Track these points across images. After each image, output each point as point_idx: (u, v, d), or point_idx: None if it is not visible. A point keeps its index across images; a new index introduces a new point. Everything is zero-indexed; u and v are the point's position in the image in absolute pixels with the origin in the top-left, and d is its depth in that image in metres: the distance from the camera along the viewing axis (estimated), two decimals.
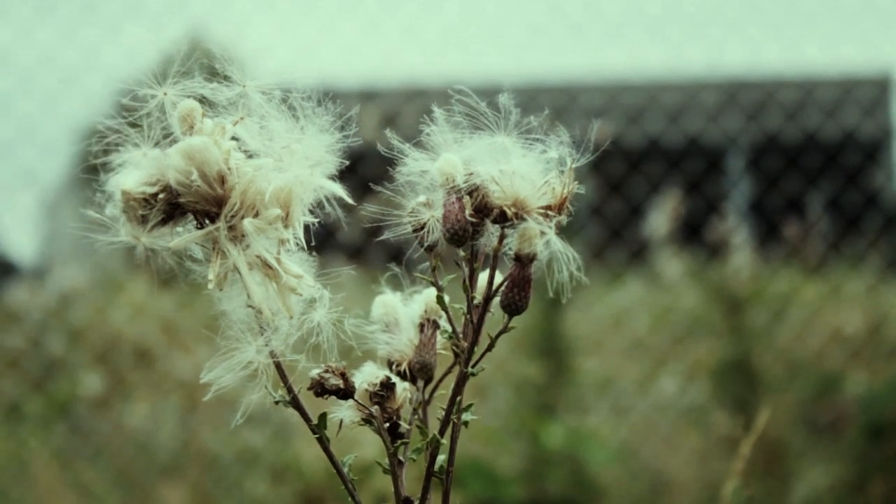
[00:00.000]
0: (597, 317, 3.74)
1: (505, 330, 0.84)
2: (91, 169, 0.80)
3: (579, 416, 3.38)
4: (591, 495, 3.08)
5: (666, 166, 3.66)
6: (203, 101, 0.80)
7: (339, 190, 0.78)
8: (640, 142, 3.72)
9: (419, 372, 0.87)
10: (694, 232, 3.54)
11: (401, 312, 0.90)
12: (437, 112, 0.82)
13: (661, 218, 3.55)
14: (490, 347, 0.84)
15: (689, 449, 3.56)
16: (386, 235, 0.84)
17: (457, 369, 0.85)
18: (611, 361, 3.83)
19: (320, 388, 0.83)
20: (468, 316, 0.84)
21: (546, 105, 3.34)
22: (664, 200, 3.83)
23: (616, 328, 5.46)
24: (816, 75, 3.95)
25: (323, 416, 0.83)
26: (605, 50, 3.65)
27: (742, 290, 3.04)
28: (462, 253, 0.83)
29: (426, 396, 0.89)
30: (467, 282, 0.84)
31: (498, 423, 3.44)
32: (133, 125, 0.80)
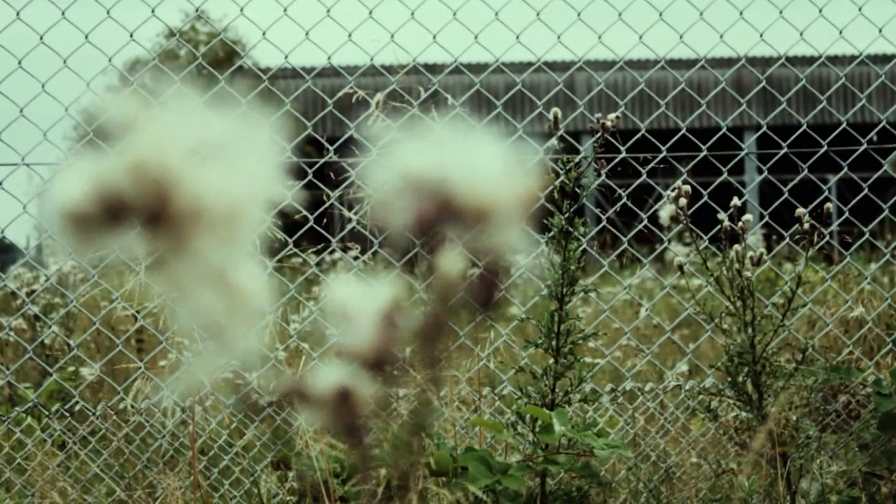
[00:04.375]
0: (605, 304, 3.68)
1: (475, 326, 0.78)
2: (80, 153, 0.75)
3: (586, 405, 3.34)
4: (598, 485, 3.04)
5: (677, 151, 3.59)
6: (157, 97, 0.74)
7: (289, 194, 0.72)
8: (651, 126, 3.65)
9: (379, 368, 0.81)
10: (705, 218, 3.47)
11: (361, 305, 0.84)
12: (405, 102, 0.77)
13: (671, 204, 3.48)
14: (447, 347, 0.78)
15: (697, 439, 3.51)
16: (346, 228, 0.79)
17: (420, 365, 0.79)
18: (618, 350, 3.78)
19: (275, 399, 0.78)
20: (429, 312, 0.78)
21: (552, 89, 3.25)
22: (675, 186, 3.76)
23: (624, 316, 5.40)
24: (832, 56, 3.88)
25: (279, 429, 0.78)
26: (613, 32, 3.58)
27: (753, 278, 2.99)
28: (424, 248, 0.78)
29: (389, 393, 0.83)
30: (427, 278, 0.78)
31: (503, 413, 3.39)
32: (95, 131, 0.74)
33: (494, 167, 0.70)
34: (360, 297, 0.82)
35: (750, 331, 2.95)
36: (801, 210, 3.00)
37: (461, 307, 0.77)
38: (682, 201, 3.06)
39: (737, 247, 2.95)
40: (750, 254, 2.98)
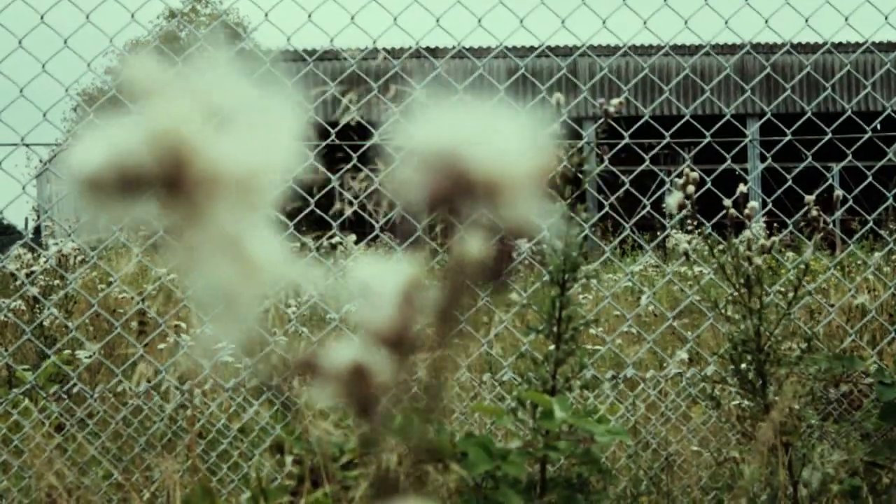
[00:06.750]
0: (606, 292, 3.66)
1: (494, 304, 0.76)
2: (83, 133, 0.73)
3: (586, 392, 3.32)
4: (598, 472, 3.02)
5: (680, 138, 3.57)
6: (175, 67, 0.72)
7: (307, 166, 0.70)
8: (654, 113, 3.63)
9: (397, 346, 0.79)
10: (708, 206, 3.45)
11: (381, 282, 0.82)
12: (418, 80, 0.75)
13: (674, 192, 3.45)
14: (458, 326, 0.76)
15: (698, 427, 3.50)
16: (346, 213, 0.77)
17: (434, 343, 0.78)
18: (620, 337, 3.77)
19: (290, 373, 0.76)
20: (443, 289, 0.76)
21: (554, 74, 3.21)
22: (678, 174, 3.73)
23: (626, 303, 5.38)
24: (837, 43, 3.86)
25: (295, 407, 0.76)
26: (617, 17, 3.56)
27: (756, 266, 2.97)
28: (440, 226, 0.75)
29: (404, 373, 0.81)
30: (443, 255, 0.76)
31: (503, 399, 3.38)
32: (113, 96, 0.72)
33: (511, 142, 0.68)
34: (380, 275, 0.80)
35: (755, 319, 2.93)
36: (809, 198, 2.98)
37: (474, 284, 0.75)
38: (690, 188, 3.04)
39: (746, 233, 2.93)
40: (761, 241, 2.97)
